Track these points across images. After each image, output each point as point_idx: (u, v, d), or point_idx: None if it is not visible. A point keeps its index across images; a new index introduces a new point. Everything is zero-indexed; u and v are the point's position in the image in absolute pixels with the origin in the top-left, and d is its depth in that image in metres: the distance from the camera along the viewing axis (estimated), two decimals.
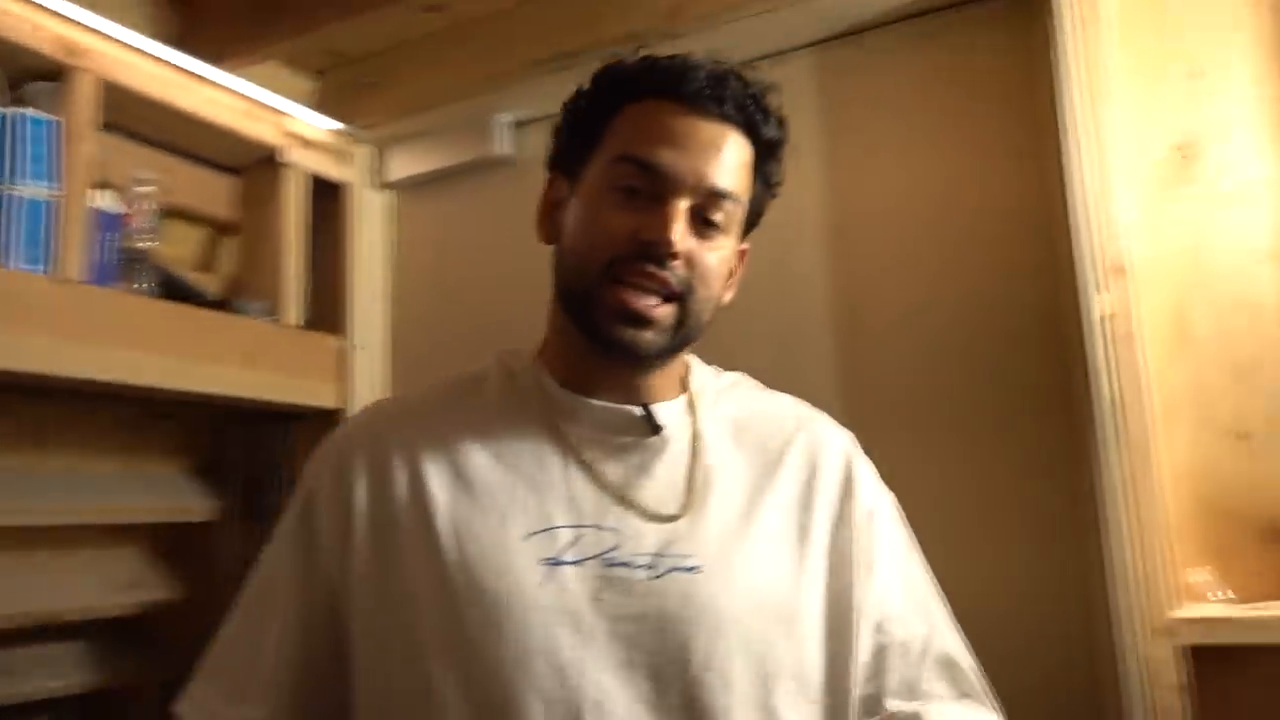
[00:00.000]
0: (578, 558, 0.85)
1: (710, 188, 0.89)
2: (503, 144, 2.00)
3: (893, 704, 0.89)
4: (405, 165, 2.12)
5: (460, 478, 0.90)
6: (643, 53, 0.94)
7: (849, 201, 1.71)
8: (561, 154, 0.97)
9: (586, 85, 0.96)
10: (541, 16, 1.88)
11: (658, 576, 0.85)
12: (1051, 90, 1.45)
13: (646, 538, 0.87)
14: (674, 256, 0.86)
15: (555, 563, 0.85)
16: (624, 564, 0.85)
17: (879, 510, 0.98)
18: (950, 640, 0.96)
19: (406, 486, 0.90)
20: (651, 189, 0.88)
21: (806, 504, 0.94)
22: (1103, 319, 1.36)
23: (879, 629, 0.92)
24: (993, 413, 1.51)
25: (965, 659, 0.96)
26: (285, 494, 1.86)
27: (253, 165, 2.06)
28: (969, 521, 1.47)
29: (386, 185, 2.16)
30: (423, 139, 2.08)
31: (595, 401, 0.93)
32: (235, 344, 1.80)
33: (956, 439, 1.52)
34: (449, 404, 0.97)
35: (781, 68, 1.78)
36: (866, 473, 1.00)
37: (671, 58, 0.92)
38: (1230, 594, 1.30)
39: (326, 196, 2.11)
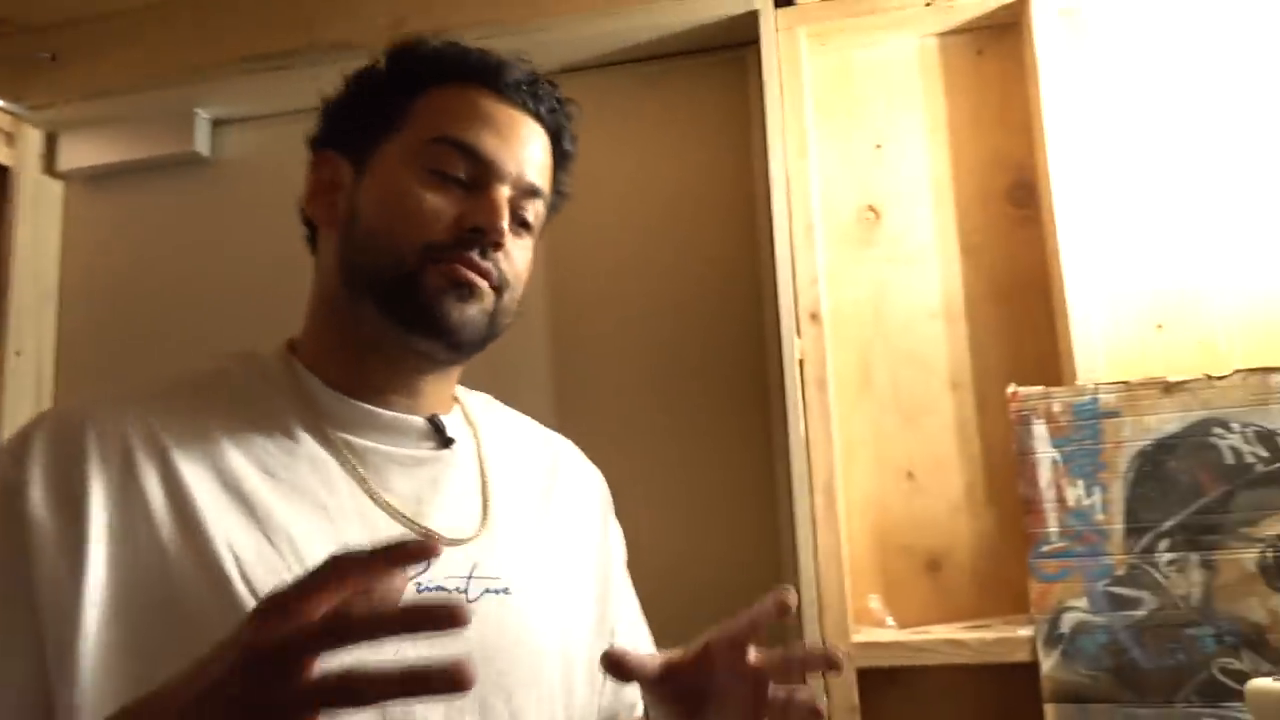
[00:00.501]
0: None
1: (529, 183, 0.84)
2: (200, 141, 1.84)
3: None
4: (83, 153, 1.89)
5: (229, 490, 0.74)
6: (443, 37, 0.88)
7: (569, 224, 1.72)
8: (341, 132, 0.87)
9: (376, 63, 0.88)
10: (256, 10, 1.76)
11: (472, 601, 0.78)
12: (760, 144, 1.55)
13: (453, 559, 0.79)
14: (499, 246, 0.81)
15: None
16: (439, 588, 0.76)
17: (621, 549, 1.00)
18: None
19: (160, 489, 0.72)
20: (472, 174, 0.82)
21: (578, 527, 0.93)
22: (799, 362, 1.46)
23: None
24: (698, 456, 1.58)
25: None
26: None
27: None
28: (676, 549, 1.51)
29: (58, 174, 1.92)
30: (106, 126, 1.87)
31: (378, 409, 0.82)
32: None
33: (661, 476, 1.57)
34: (192, 401, 0.79)
35: None
36: (614, 515, 1.01)
37: (479, 49, 0.87)
38: (893, 620, 1.43)
39: None
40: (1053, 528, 1.32)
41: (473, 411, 0.92)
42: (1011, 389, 1.39)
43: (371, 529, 0.76)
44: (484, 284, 0.80)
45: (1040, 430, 1.36)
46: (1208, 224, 1.45)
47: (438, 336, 0.80)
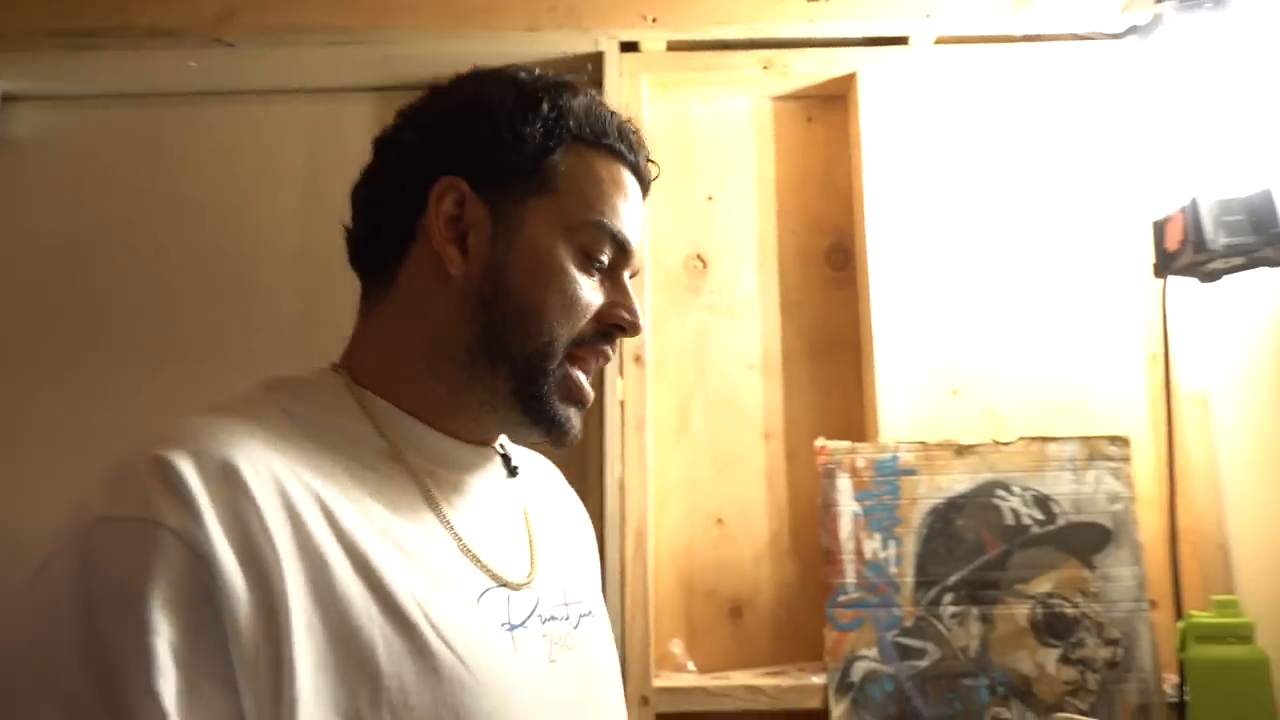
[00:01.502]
0: (521, 619, 0.74)
1: (636, 270, 0.83)
2: None
3: None
4: None
5: (384, 535, 0.68)
6: (578, 83, 0.82)
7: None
8: (472, 164, 0.77)
9: (520, 94, 0.78)
10: None
11: (575, 626, 0.80)
12: None
13: (550, 587, 0.79)
14: (636, 334, 0.81)
15: (512, 627, 0.72)
16: (553, 618, 0.77)
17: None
18: None
19: (330, 538, 0.64)
20: (614, 260, 0.79)
21: (588, 546, 0.95)
22: (620, 403, 1.46)
23: None
24: None
25: None
26: None
27: None
28: None
29: None
30: None
31: (458, 441, 0.78)
32: None
33: None
34: (297, 439, 0.69)
35: (338, 104, 1.72)
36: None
37: (613, 110, 0.82)
38: (694, 664, 1.44)
39: None
40: (850, 578, 1.38)
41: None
42: (820, 442, 1.44)
43: (478, 559, 0.74)
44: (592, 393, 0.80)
45: (844, 484, 1.41)
46: (1000, 300, 1.57)
47: (546, 436, 0.78)
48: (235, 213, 1.71)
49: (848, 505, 1.41)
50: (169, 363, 1.67)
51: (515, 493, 0.84)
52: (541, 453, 0.93)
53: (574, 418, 0.78)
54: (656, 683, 1.38)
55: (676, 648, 1.46)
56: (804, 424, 1.56)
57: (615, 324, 0.78)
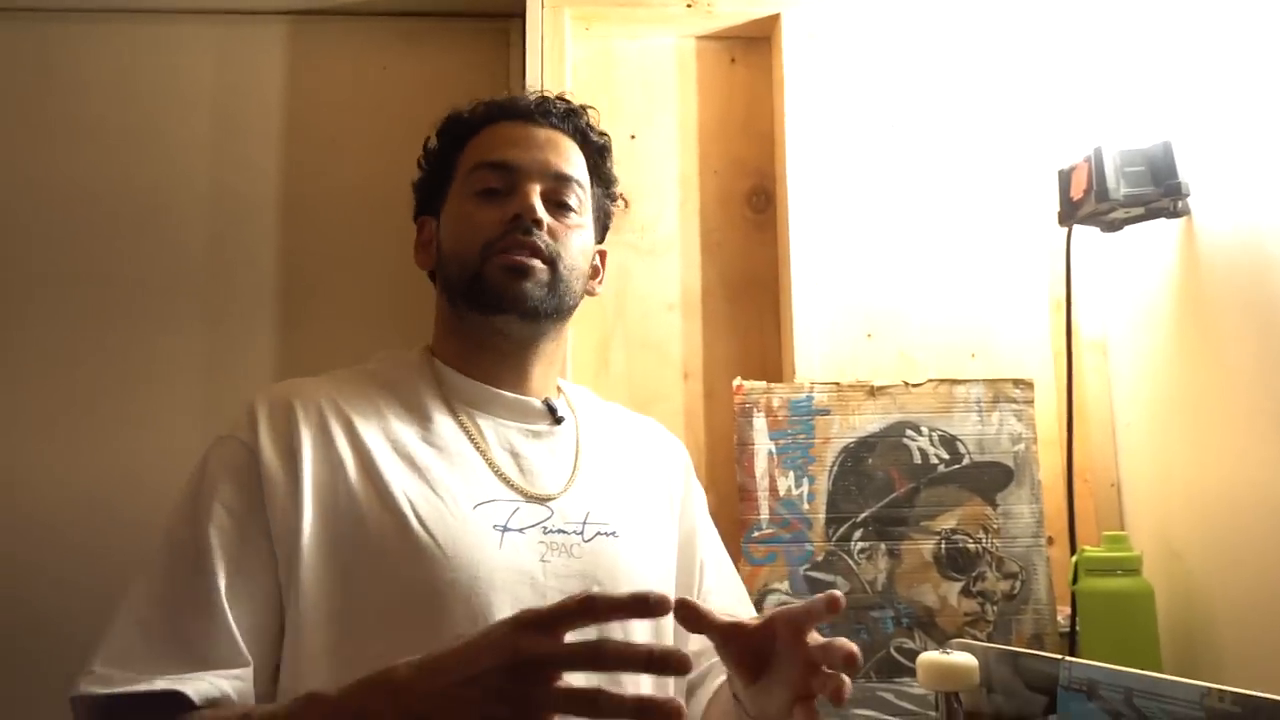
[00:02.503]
0: (521, 526, 0.93)
1: (556, 172, 1.03)
2: None
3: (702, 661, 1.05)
4: None
5: (398, 452, 0.94)
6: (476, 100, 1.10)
7: (305, 181, 1.64)
8: (423, 200, 1.10)
9: (435, 138, 1.10)
10: None
11: (587, 540, 0.97)
12: None
13: (570, 508, 0.98)
14: (537, 224, 0.99)
15: (505, 529, 0.92)
16: (560, 530, 0.96)
17: (703, 503, 1.19)
18: None
19: (349, 449, 0.92)
20: (506, 183, 1.01)
21: (662, 487, 1.11)
22: None
23: (704, 598, 1.09)
24: None
25: None
26: None
27: None
28: None
29: None
30: None
31: (501, 391, 1.02)
32: None
33: None
34: (367, 388, 1.00)
35: (249, 27, 1.66)
36: (696, 478, 1.19)
37: (488, 102, 1.08)
38: None
39: None
40: (764, 515, 1.41)
41: (573, 398, 1.11)
42: (737, 382, 1.46)
43: (507, 483, 0.96)
44: (534, 261, 0.98)
45: (760, 423, 1.44)
46: (913, 246, 1.60)
47: (508, 310, 0.98)
48: (140, 139, 1.64)
49: (763, 444, 1.43)
50: (71, 292, 1.60)
51: (566, 435, 1.04)
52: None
53: (515, 286, 0.97)
54: None
55: None
56: (722, 364, 1.58)
57: (511, 218, 0.98)
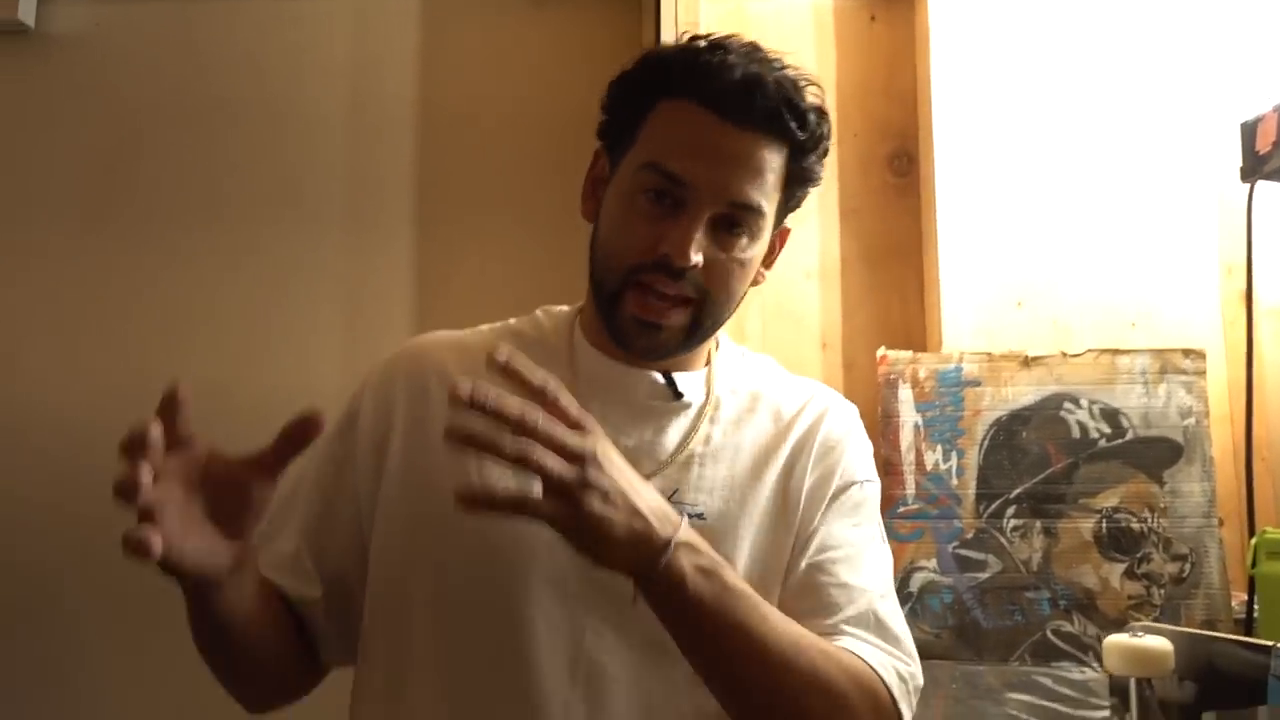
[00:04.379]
0: None
1: (733, 199, 0.89)
2: (25, 9, 1.63)
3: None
4: None
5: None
6: (688, 36, 0.93)
7: (440, 149, 1.65)
8: (607, 130, 0.97)
9: (630, 68, 0.95)
10: None
11: None
12: None
13: (659, 488, 0.87)
14: (690, 269, 0.88)
15: None
16: None
17: (859, 488, 0.99)
18: (892, 614, 0.92)
19: (440, 412, 0.89)
20: (675, 196, 0.89)
21: (795, 467, 0.97)
22: None
23: (821, 568, 0.92)
24: None
25: (903, 632, 0.92)
26: None
27: None
28: None
29: None
30: None
31: (622, 365, 0.96)
32: None
33: None
34: (488, 344, 0.94)
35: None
36: (857, 449, 1.01)
37: (711, 50, 0.90)
38: None
39: None
40: (910, 490, 1.35)
41: (721, 370, 1.01)
42: (881, 352, 1.41)
43: None
44: (671, 316, 0.90)
45: (905, 394, 1.38)
46: (1070, 208, 1.50)
47: (620, 346, 0.94)
48: (277, 111, 1.67)
49: (909, 416, 1.37)
50: (211, 262, 1.65)
51: (687, 411, 0.97)
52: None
53: (644, 341, 0.91)
54: None
55: None
56: (862, 334, 1.52)
57: (661, 254, 0.88)
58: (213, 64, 1.69)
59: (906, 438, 1.37)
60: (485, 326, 1.04)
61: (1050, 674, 1.24)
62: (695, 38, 0.93)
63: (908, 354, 1.40)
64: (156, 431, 0.69)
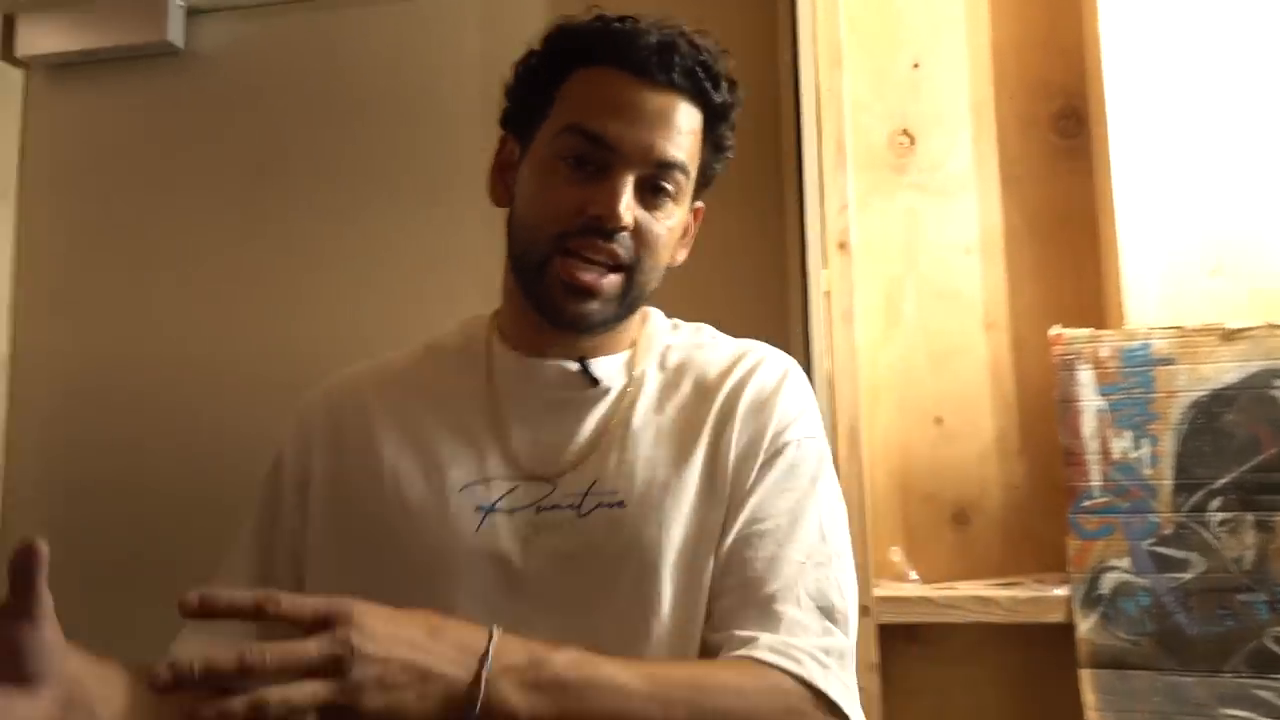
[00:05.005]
0: (513, 506, 0.89)
1: (658, 158, 0.88)
2: (173, 30, 1.68)
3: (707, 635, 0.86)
4: (45, 39, 1.73)
5: (406, 436, 0.94)
6: (595, 11, 0.93)
7: None
8: (513, 114, 0.97)
9: (537, 45, 0.95)
10: None
11: (584, 514, 0.88)
12: (789, 55, 1.41)
13: (577, 480, 0.89)
14: (622, 230, 0.87)
15: (491, 510, 0.88)
16: (555, 506, 0.88)
17: (793, 448, 0.92)
18: (825, 582, 0.87)
19: (360, 452, 0.94)
20: (599, 160, 0.87)
21: (723, 433, 0.91)
22: (825, 294, 1.34)
23: (747, 542, 0.87)
24: None
25: (837, 600, 0.86)
26: None
27: None
28: None
29: (17, 61, 1.75)
30: (70, 11, 1.71)
31: (536, 359, 0.95)
32: None
33: None
34: (407, 370, 1.00)
35: None
36: (790, 404, 0.94)
37: (621, 20, 0.90)
38: (915, 574, 1.34)
39: None
40: (1095, 481, 1.22)
41: (648, 347, 0.98)
42: (1054, 331, 1.28)
43: (512, 459, 0.91)
44: (604, 281, 0.88)
45: (1086, 376, 1.25)
46: (1271, 162, 1.34)
47: (563, 326, 0.90)
48: (413, 109, 1.66)
49: (1090, 400, 1.24)
50: (354, 268, 1.66)
51: (606, 398, 0.93)
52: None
53: (575, 307, 0.88)
54: (877, 592, 1.28)
55: (896, 556, 1.35)
56: (1031, 311, 1.39)
57: (591, 216, 0.86)
58: (349, 68, 1.71)
59: (1089, 424, 1.24)
60: (409, 348, 1.03)
61: (1271, 686, 1.10)
62: (601, 14, 0.93)
63: (1086, 332, 1.27)
64: None
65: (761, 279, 1.47)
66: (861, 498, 1.30)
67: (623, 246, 0.87)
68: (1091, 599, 1.20)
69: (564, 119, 0.89)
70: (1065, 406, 1.25)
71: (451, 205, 1.64)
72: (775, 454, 0.90)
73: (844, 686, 0.80)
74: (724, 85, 0.92)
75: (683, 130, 0.89)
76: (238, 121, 1.72)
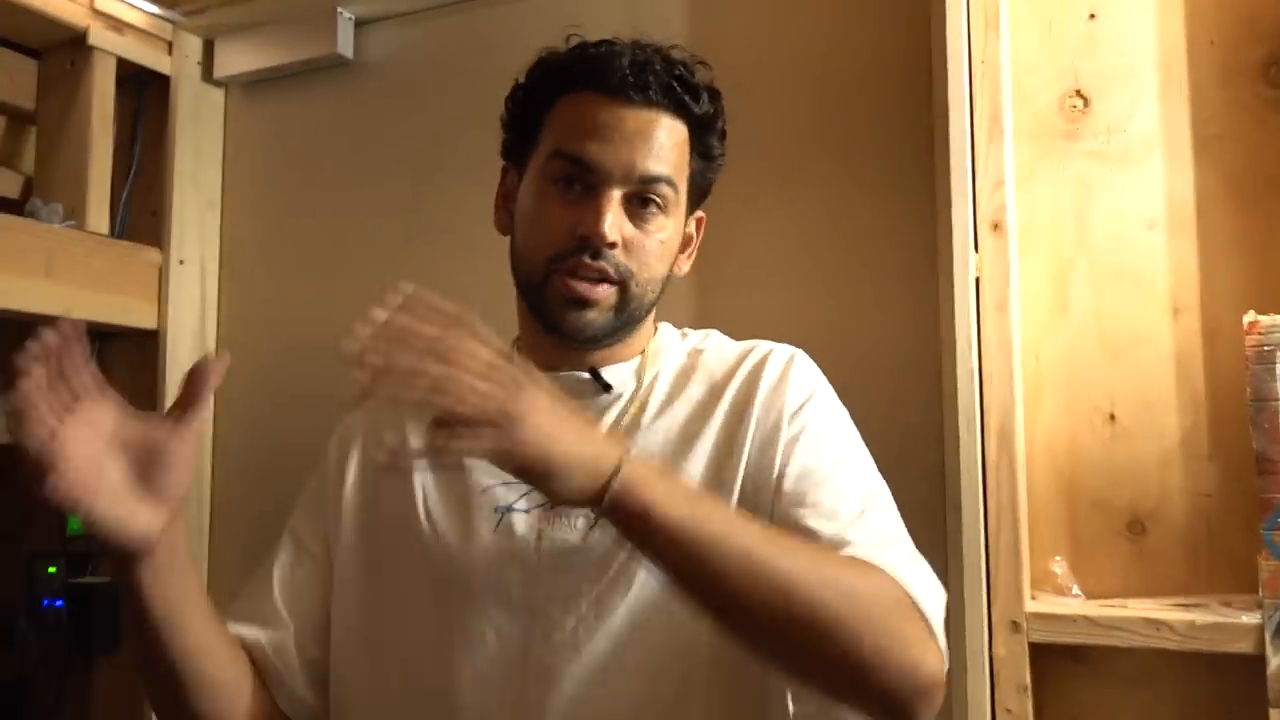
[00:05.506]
0: (529, 506, 0.94)
1: (641, 174, 0.93)
2: (343, 43, 1.77)
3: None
4: (237, 59, 1.87)
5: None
6: (574, 41, 0.99)
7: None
8: (509, 145, 1.03)
9: (522, 78, 1.01)
10: None
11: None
12: (939, 12, 1.30)
13: None
14: (610, 247, 0.92)
15: (509, 510, 0.94)
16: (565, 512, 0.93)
17: (808, 411, 0.96)
18: (888, 521, 0.91)
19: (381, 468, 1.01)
20: (585, 181, 0.93)
21: (739, 426, 0.95)
22: (975, 281, 1.23)
23: (799, 501, 0.90)
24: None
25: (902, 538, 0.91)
26: None
27: (55, 47, 1.81)
28: None
29: (217, 82, 1.91)
30: (257, 31, 1.84)
31: (550, 373, 0.94)
32: (27, 251, 1.62)
33: None
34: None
35: None
36: (799, 381, 0.97)
37: (598, 45, 0.96)
38: (1079, 589, 1.21)
39: (150, 90, 1.91)
40: None
41: (657, 354, 1.02)
42: (1251, 318, 1.11)
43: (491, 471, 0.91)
44: (599, 291, 0.92)
45: None
46: None
47: (565, 338, 0.95)
48: None
49: None
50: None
51: (618, 403, 0.98)
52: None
53: (574, 317, 0.93)
54: (1031, 606, 1.17)
55: (1058, 567, 1.23)
56: (1229, 295, 1.21)
57: (580, 236, 0.91)
58: (507, 65, 1.73)
59: None
60: None
61: None
62: (581, 41, 0.99)
63: None
64: (54, 338, 0.75)
65: (912, 270, 1.37)
66: (1015, 502, 1.19)
67: (611, 263, 0.92)
68: None
69: (551, 145, 0.95)
70: (1260, 406, 1.09)
71: None
72: (799, 431, 0.93)
73: (941, 615, 0.83)
74: (704, 96, 0.97)
75: (665, 145, 0.94)
76: (406, 122, 1.79)
